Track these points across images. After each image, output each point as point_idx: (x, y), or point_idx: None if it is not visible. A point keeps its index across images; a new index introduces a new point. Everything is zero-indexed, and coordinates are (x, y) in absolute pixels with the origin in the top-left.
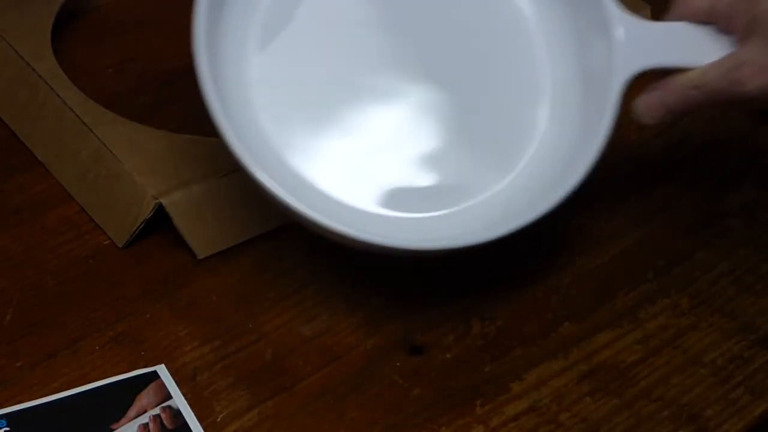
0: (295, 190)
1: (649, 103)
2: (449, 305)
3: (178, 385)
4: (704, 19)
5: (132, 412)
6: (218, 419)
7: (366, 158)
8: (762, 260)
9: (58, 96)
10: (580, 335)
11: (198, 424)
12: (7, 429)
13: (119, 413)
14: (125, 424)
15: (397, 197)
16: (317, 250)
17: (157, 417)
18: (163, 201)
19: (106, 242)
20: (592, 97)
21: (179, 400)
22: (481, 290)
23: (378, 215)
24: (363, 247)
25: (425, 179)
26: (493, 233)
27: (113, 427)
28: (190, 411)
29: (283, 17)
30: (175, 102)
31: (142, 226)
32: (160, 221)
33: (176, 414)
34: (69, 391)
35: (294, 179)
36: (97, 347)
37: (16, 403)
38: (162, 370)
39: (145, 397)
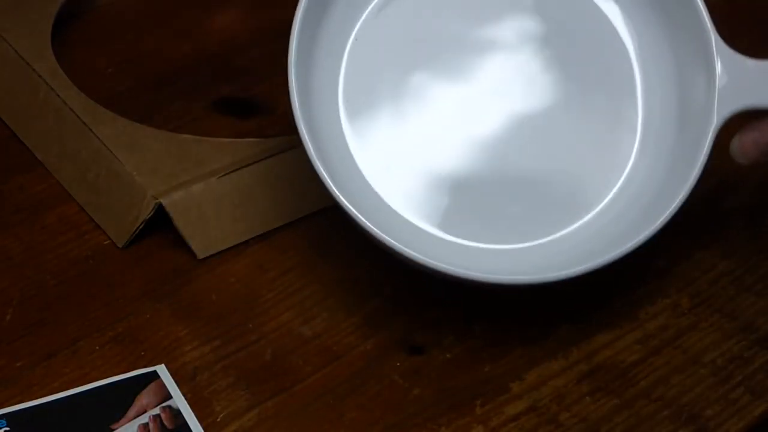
0: (400, 234)
1: (743, 144)
2: (449, 305)
3: (178, 385)
4: None
5: (132, 412)
6: (218, 419)
7: (460, 190)
8: (762, 260)
9: (58, 96)
10: (580, 335)
11: (198, 424)
12: (7, 429)
13: (119, 413)
14: (125, 424)
15: (493, 229)
16: (317, 250)
17: (157, 417)
18: (163, 201)
19: (106, 242)
20: (686, 135)
21: (179, 400)
22: (481, 290)
23: (480, 249)
24: (474, 285)
25: (516, 209)
26: (579, 268)
27: (113, 427)
28: (190, 411)
29: (367, 63)
30: (175, 102)
31: (142, 226)
32: (160, 221)
33: (176, 414)
34: (69, 391)
35: (397, 221)
36: (97, 347)
37: (16, 403)
38: (162, 370)
39: (144, 397)
